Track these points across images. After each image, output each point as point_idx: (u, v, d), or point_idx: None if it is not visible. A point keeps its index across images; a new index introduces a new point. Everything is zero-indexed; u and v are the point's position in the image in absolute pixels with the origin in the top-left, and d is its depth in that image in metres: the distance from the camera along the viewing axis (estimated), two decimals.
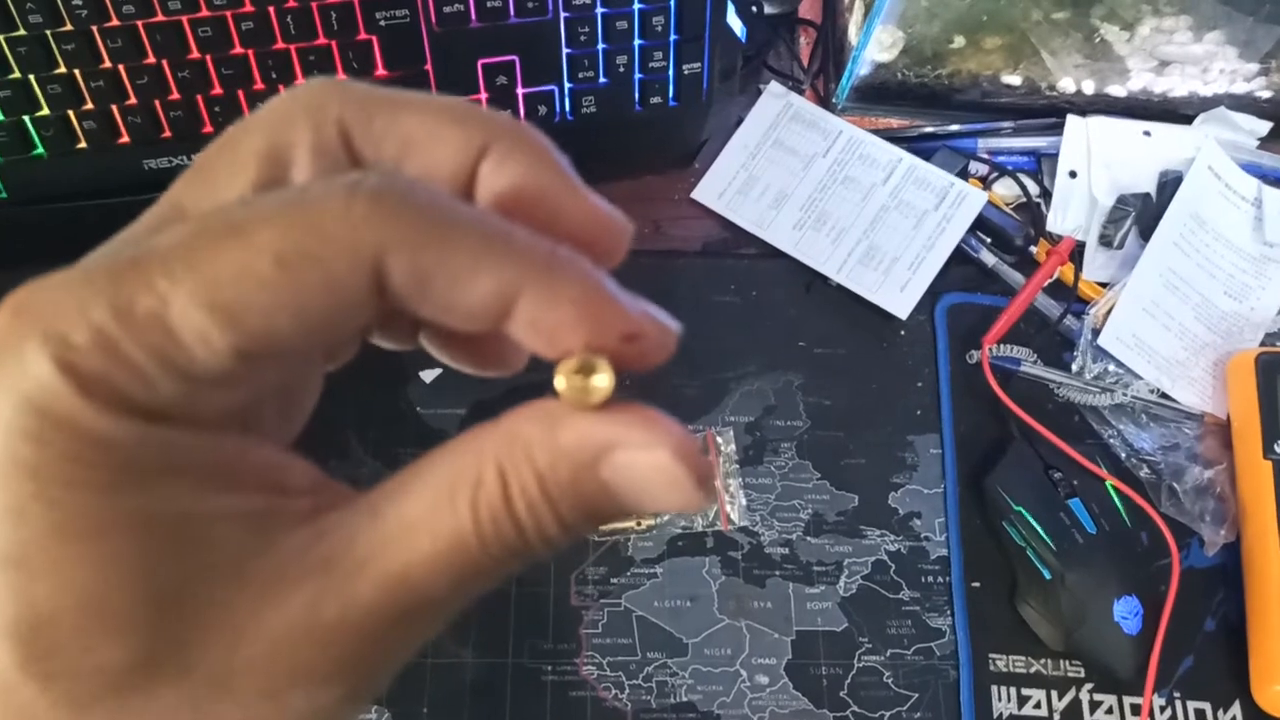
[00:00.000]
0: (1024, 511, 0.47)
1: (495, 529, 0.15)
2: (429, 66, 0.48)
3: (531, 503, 0.15)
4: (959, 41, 0.56)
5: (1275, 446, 0.48)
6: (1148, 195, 0.57)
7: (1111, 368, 0.53)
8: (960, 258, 0.55)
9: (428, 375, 0.50)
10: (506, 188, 0.16)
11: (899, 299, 0.54)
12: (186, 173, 0.16)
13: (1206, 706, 0.47)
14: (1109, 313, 0.54)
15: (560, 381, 0.15)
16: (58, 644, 0.13)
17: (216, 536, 0.14)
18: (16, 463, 0.13)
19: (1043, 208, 0.57)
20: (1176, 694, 0.47)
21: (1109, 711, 0.46)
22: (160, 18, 0.44)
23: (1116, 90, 0.59)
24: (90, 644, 0.13)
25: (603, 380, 0.15)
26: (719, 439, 0.50)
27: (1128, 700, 0.46)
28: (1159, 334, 0.53)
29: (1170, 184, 0.56)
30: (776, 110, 0.58)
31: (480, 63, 0.48)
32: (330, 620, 0.14)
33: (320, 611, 0.14)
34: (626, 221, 0.17)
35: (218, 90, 0.47)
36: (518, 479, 0.15)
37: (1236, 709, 0.46)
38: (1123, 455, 0.51)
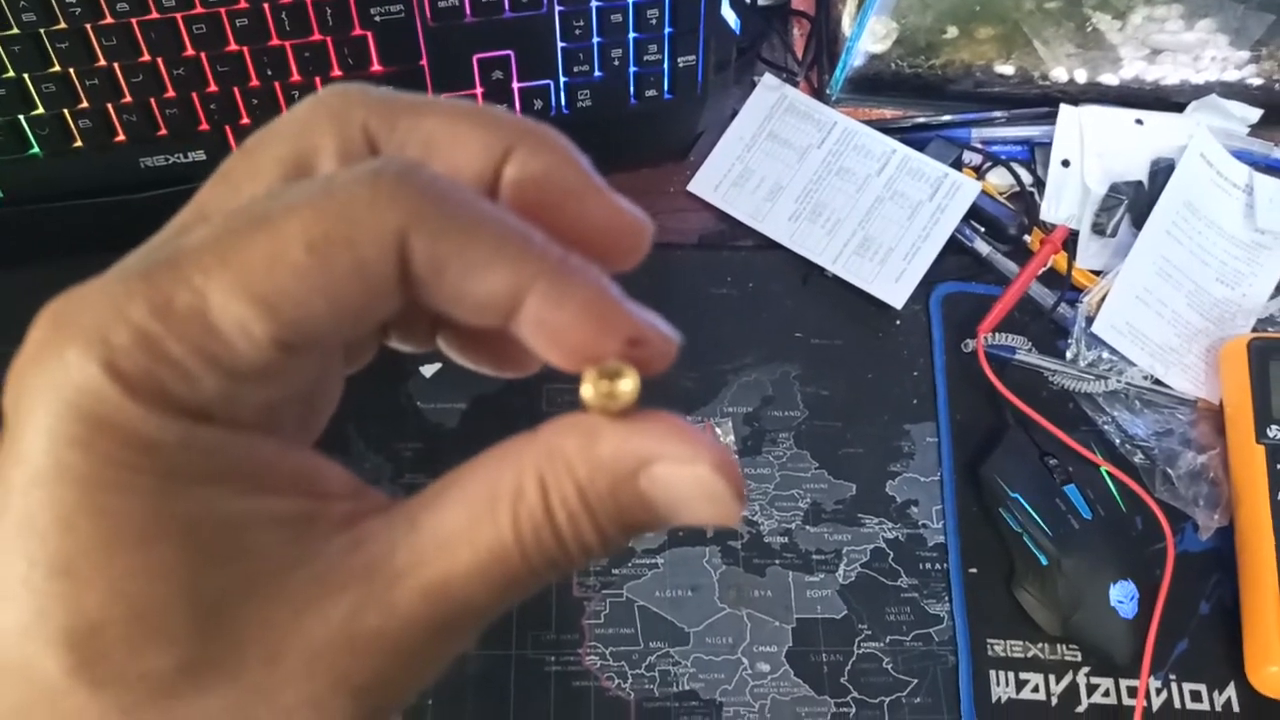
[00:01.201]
0: (1020, 498, 0.48)
1: (536, 540, 0.15)
2: (424, 62, 0.48)
3: (572, 514, 0.15)
4: (952, 32, 0.56)
5: (1268, 431, 0.49)
6: (1140, 183, 0.57)
7: (1105, 355, 0.53)
8: (955, 247, 0.56)
9: (428, 370, 0.51)
10: (530, 188, 0.16)
11: (894, 289, 0.54)
12: (210, 179, 0.16)
13: (1202, 688, 0.47)
14: (1102, 300, 0.54)
15: (586, 389, 0.15)
16: (106, 651, 0.13)
17: (257, 542, 0.14)
18: (63, 471, 0.13)
19: (1036, 197, 0.58)
20: (1172, 676, 0.47)
21: (1105, 694, 0.47)
22: (154, 15, 0.44)
23: (1109, 79, 0.59)
24: (138, 651, 0.13)
25: (628, 385, 0.15)
26: (718, 430, 0.50)
27: (1124, 683, 0.47)
28: (1152, 321, 0.54)
29: (1162, 172, 0.57)
30: (771, 102, 0.59)
31: (475, 57, 0.48)
32: (371, 630, 0.14)
33: (361, 621, 0.14)
34: (648, 220, 0.17)
35: (213, 88, 0.47)
36: (558, 490, 0.15)
37: (1231, 690, 0.47)
38: (1117, 441, 0.52)
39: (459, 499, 0.15)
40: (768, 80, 0.59)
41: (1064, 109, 0.59)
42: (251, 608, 0.14)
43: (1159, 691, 0.47)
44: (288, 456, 0.15)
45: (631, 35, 0.49)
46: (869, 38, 0.56)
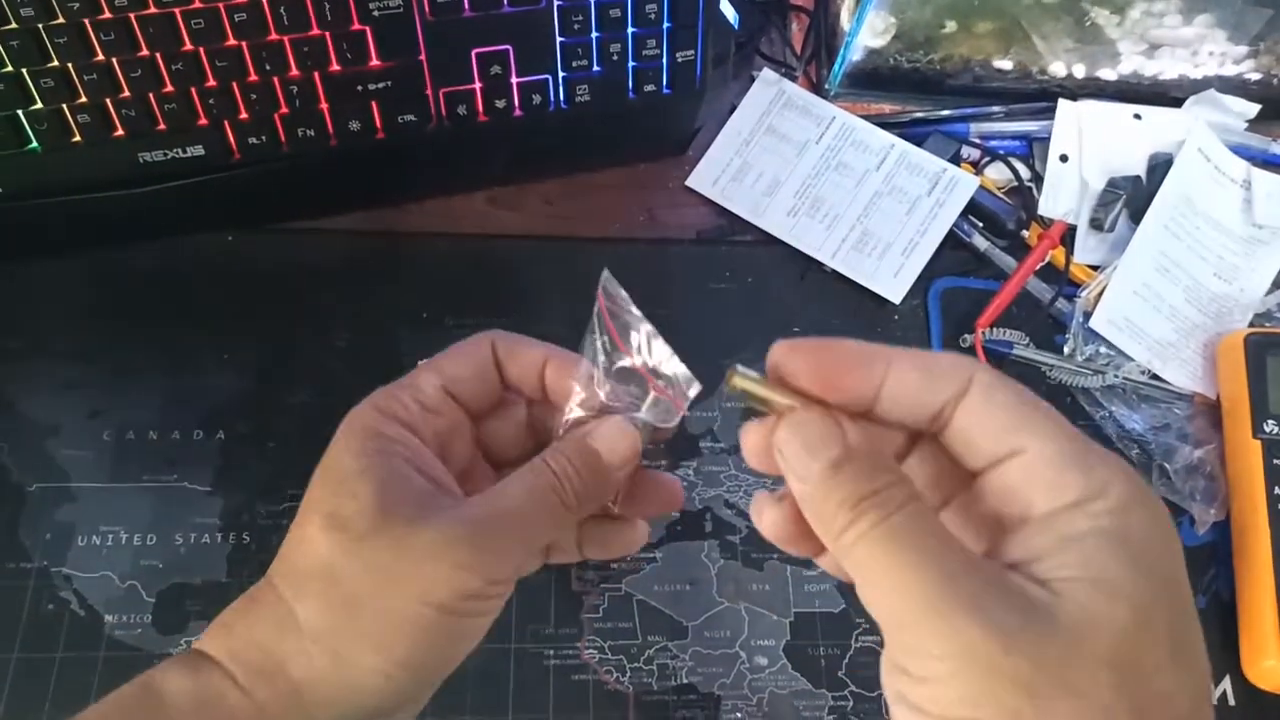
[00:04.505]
0: None
1: (544, 474, 0.31)
2: (423, 57, 0.48)
3: (559, 462, 0.31)
4: (951, 26, 0.56)
5: (1264, 426, 0.49)
6: (1138, 178, 0.57)
7: (1103, 350, 0.53)
8: (953, 242, 0.56)
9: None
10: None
11: (893, 284, 0.54)
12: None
13: None
14: (1100, 295, 0.54)
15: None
16: (345, 516, 0.29)
17: (414, 484, 0.29)
18: (353, 446, 0.30)
19: (1034, 192, 0.58)
20: None
21: None
22: (152, 10, 0.44)
23: (1107, 74, 0.59)
24: (354, 517, 0.29)
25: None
26: (606, 288, 0.32)
27: None
28: (1150, 316, 0.54)
29: (1160, 167, 0.57)
30: (769, 97, 0.59)
31: (474, 52, 0.48)
32: (466, 518, 0.29)
33: (460, 516, 0.29)
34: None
35: (211, 82, 0.47)
36: (550, 453, 0.31)
37: (1227, 684, 0.47)
38: (1114, 436, 0.52)
39: (508, 477, 0.31)
40: (766, 75, 0.59)
41: (1062, 104, 0.59)
42: (407, 506, 0.28)
43: None
44: (438, 465, 0.31)
45: (630, 30, 0.49)
46: (867, 32, 0.56)
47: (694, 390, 0.32)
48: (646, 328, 0.32)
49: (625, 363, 0.32)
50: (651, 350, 0.32)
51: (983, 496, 0.26)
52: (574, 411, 0.32)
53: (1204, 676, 0.23)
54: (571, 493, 0.30)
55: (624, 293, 0.32)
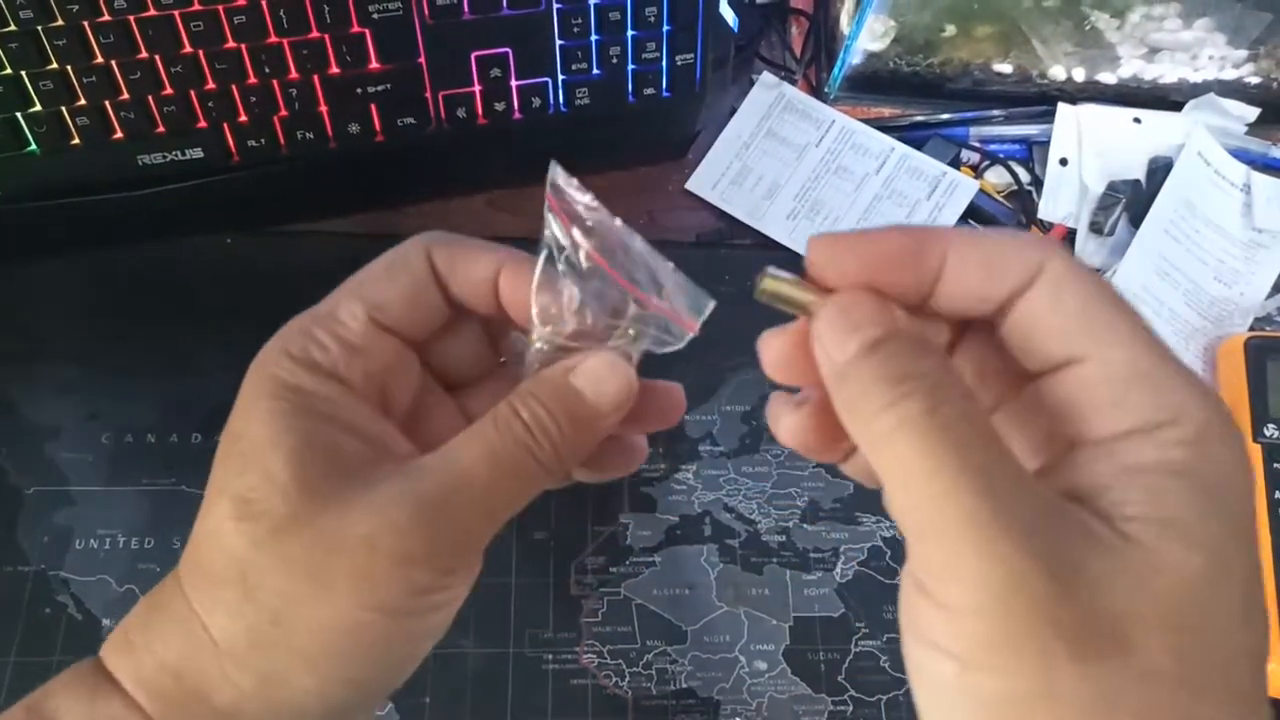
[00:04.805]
0: None
1: (511, 432, 0.24)
2: (422, 59, 0.48)
3: (532, 409, 0.25)
4: (950, 30, 0.56)
5: (1264, 430, 0.49)
6: (1138, 182, 0.57)
7: None
8: None
9: None
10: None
11: None
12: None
13: None
14: None
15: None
16: (254, 503, 0.23)
17: (344, 454, 0.24)
18: (261, 406, 0.24)
19: (1034, 195, 0.58)
20: None
21: None
22: (152, 12, 0.44)
23: (1107, 77, 0.59)
24: (269, 504, 0.23)
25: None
26: (555, 184, 0.27)
27: None
28: (1149, 319, 0.54)
29: (1160, 170, 0.57)
30: (769, 100, 0.59)
31: (473, 55, 0.48)
32: (409, 498, 0.23)
33: (402, 495, 0.23)
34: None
35: (211, 85, 0.47)
36: (520, 398, 0.25)
37: None
38: None
39: (465, 433, 0.25)
40: (766, 78, 0.59)
41: (1062, 107, 0.59)
42: (335, 483, 0.23)
43: None
44: (374, 417, 0.26)
45: (630, 33, 0.49)
46: (867, 36, 0.56)
47: (709, 306, 0.26)
48: (623, 228, 0.25)
49: (588, 264, 0.25)
50: (633, 256, 0.25)
51: (1038, 406, 0.22)
52: (543, 342, 0.25)
53: (1265, 639, 0.19)
54: (550, 449, 0.24)
55: (580, 190, 0.26)
